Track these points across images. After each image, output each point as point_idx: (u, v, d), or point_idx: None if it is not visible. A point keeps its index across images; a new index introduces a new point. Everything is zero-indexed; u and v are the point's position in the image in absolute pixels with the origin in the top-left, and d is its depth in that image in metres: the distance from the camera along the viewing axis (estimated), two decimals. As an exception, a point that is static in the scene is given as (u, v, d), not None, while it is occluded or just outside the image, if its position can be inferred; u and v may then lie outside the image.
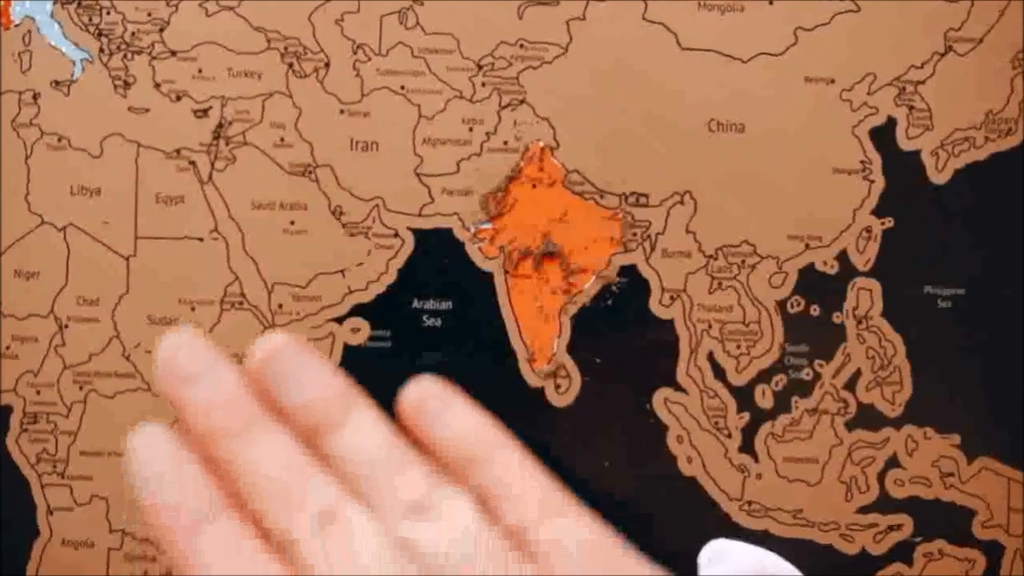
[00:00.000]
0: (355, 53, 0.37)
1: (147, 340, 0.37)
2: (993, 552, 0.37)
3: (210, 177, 0.37)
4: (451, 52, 0.37)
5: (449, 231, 0.37)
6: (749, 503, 0.37)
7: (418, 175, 0.37)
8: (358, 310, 0.37)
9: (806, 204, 0.37)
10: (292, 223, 0.37)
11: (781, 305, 0.37)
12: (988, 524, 0.37)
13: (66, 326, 0.37)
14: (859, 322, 0.37)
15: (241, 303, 0.37)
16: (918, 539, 0.37)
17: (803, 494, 0.37)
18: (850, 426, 0.37)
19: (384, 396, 0.23)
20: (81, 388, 0.37)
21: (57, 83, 0.37)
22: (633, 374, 0.37)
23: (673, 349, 0.37)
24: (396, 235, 0.37)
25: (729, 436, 0.37)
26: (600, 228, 0.37)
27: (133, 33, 0.37)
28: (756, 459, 0.37)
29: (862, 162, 0.37)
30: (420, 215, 0.37)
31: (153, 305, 0.37)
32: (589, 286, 0.37)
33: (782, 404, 0.37)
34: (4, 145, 0.37)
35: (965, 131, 0.37)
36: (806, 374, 0.37)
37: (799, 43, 0.37)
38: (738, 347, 0.37)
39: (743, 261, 0.37)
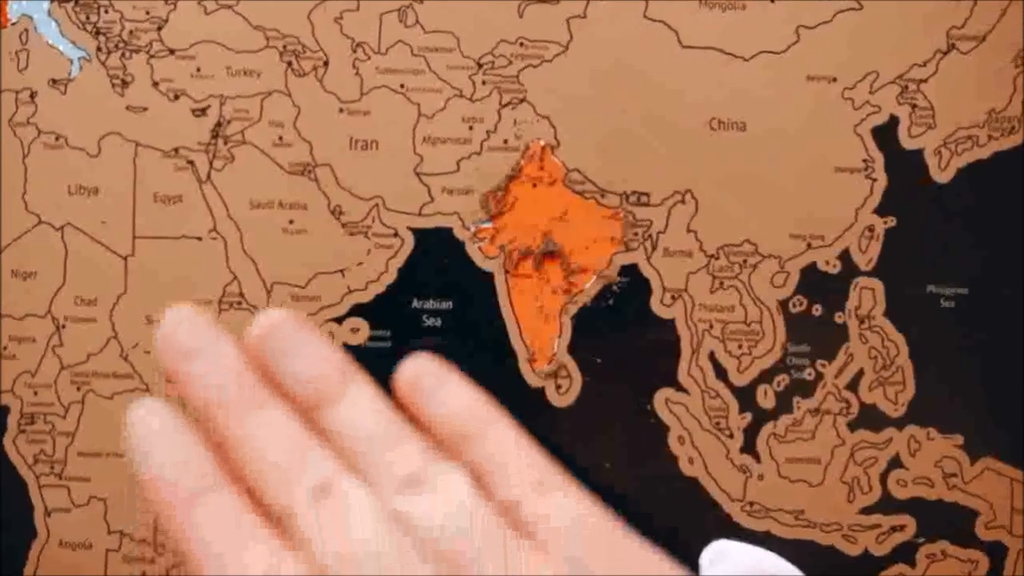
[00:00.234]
0: (354, 51, 0.37)
1: (145, 340, 0.37)
2: (996, 553, 0.37)
3: (208, 176, 0.37)
4: (451, 50, 0.37)
5: (449, 230, 0.37)
6: (751, 504, 0.37)
7: (418, 174, 0.37)
8: (357, 310, 0.37)
9: (808, 203, 0.37)
10: (291, 222, 0.37)
11: (783, 305, 0.37)
12: (991, 525, 0.37)
13: (64, 326, 0.37)
14: (861, 322, 0.37)
15: (240, 303, 0.37)
16: (921, 540, 0.37)
17: (805, 495, 0.37)
18: (852, 426, 0.37)
19: (384, 396, 0.23)
20: (79, 389, 0.37)
21: (54, 82, 0.37)
22: (634, 374, 0.37)
23: (674, 349, 0.37)
24: (396, 234, 0.37)
25: (731, 436, 0.37)
26: (601, 227, 0.37)
27: (131, 31, 0.37)
28: (758, 460, 0.37)
29: (864, 161, 0.37)
30: (420, 214, 0.37)
31: (151, 305, 0.37)
32: (590, 286, 0.37)
33: (784, 404, 0.37)
34: (1, 144, 0.37)
35: (968, 130, 0.37)
36: (808, 374, 0.37)
37: (801, 41, 0.36)
38: (740, 347, 0.37)
39: (745, 260, 0.37)
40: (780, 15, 0.36)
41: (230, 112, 0.37)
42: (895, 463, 0.37)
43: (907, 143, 0.37)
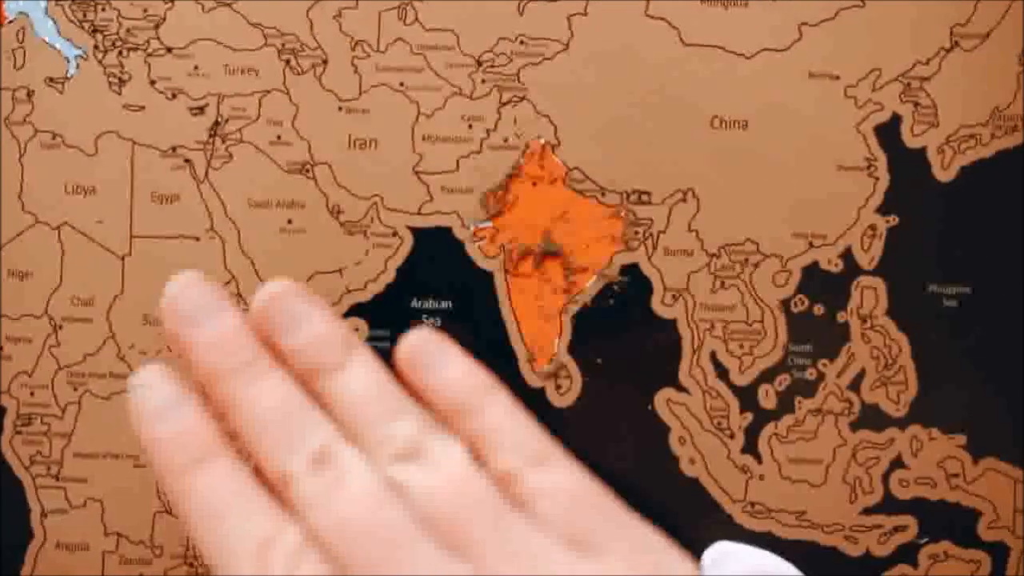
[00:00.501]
0: (353, 49, 0.37)
1: (142, 341, 0.37)
2: (999, 554, 0.37)
3: (206, 175, 0.37)
4: (450, 48, 0.37)
5: (449, 230, 0.37)
6: (752, 504, 0.37)
7: (417, 173, 0.37)
8: (356, 310, 0.37)
9: (810, 202, 0.37)
10: (289, 222, 0.37)
11: (785, 304, 0.37)
12: (994, 525, 0.37)
13: (60, 326, 0.37)
14: (863, 321, 0.37)
15: (238, 303, 0.37)
16: (923, 540, 0.37)
17: (807, 495, 0.37)
18: (854, 427, 0.37)
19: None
20: (76, 389, 0.37)
21: (51, 80, 0.37)
22: (635, 374, 0.37)
23: (675, 349, 0.37)
24: (395, 234, 0.37)
25: (732, 437, 0.37)
26: (601, 226, 0.37)
27: (128, 30, 0.37)
28: (759, 460, 0.37)
29: (867, 159, 0.37)
30: (419, 213, 0.37)
31: (148, 305, 0.37)
32: (590, 285, 0.37)
33: (785, 404, 0.37)
34: (-3, 143, 0.37)
35: (971, 128, 0.36)
36: (810, 374, 0.37)
37: (803, 39, 0.36)
38: (741, 347, 0.37)
39: (746, 260, 0.37)
40: (782, 12, 0.36)
41: (228, 111, 0.37)
42: (897, 463, 0.37)
43: (910, 141, 0.37)
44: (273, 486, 0.21)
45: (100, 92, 0.37)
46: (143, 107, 0.37)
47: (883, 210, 0.37)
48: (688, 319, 0.37)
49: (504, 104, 0.37)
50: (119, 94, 0.37)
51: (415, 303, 0.37)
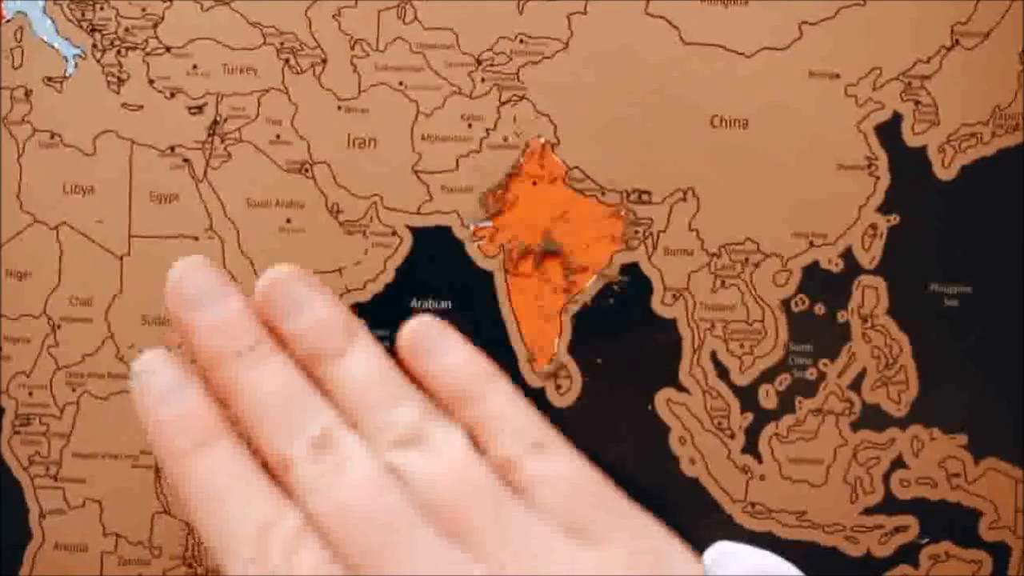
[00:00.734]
0: (352, 48, 0.37)
1: (141, 341, 0.37)
2: (1000, 554, 0.37)
3: (205, 175, 0.37)
4: (450, 47, 0.36)
5: (448, 229, 0.37)
6: (752, 504, 0.37)
7: (416, 172, 0.37)
8: (356, 309, 0.37)
9: (810, 201, 0.37)
10: (288, 221, 0.37)
11: (785, 304, 0.37)
12: (995, 525, 0.37)
13: (59, 326, 0.37)
14: (864, 321, 0.37)
15: (237, 301, 0.37)
16: (924, 541, 0.37)
17: (807, 495, 0.37)
18: (855, 427, 0.37)
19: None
20: (74, 389, 0.37)
21: (50, 79, 0.37)
22: (635, 374, 0.37)
23: (675, 349, 0.37)
24: (394, 233, 0.37)
25: (732, 437, 0.37)
26: (601, 226, 0.37)
27: (127, 29, 0.37)
28: (760, 460, 0.37)
29: (867, 158, 0.36)
30: (419, 213, 0.37)
31: (148, 305, 0.37)
32: (590, 285, 0.37)
33: (786, 404, 0.37)
34: (-4, 142, 0.37)
35: (972, 127, 0.36)
36: (810, 374, 0.37)
37: (804, 37, 0.36)
38: (741, 347, 0.37)
39: (746, 259, 0.37)
40: (782, 11, 0.36)
41: (227, 110, 0.37)
42: (898, 463, 0.37)
43: (911, 140, 0.37)
44: (273, 470, 0.21)
45: (98, 91, 0.37)
46: (142, 106, 0.37)
47: (884, 209, 0.37)
48: (688, 319, 0.37)
49: (504, 103, 0.37)
50: (118, 93, 0.37)
51: (414, 303, 0.37)
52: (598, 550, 0.20)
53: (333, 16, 0.37)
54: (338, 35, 0.37)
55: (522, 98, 0.37)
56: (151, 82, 0.37)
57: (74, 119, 0.37)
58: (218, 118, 0.37)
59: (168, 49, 0.37)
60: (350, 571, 0.19)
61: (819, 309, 0.37)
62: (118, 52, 0.37)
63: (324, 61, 0.37)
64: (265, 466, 0.21)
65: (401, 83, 0.37)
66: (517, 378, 0.37)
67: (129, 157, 0.37)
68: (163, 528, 0.37)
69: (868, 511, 0.37)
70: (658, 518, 0.37)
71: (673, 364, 0.37)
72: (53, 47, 0.37)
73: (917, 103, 0.36)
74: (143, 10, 0.37)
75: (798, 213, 0.37)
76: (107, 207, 0.37)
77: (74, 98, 0.37)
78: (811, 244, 0.37)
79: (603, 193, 0.37)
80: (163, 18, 0.37)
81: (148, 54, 0.37)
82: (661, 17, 0.36)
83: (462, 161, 0.37)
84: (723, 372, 0.37)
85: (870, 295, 0.37)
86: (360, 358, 0.22)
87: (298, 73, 0.37)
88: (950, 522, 0.37)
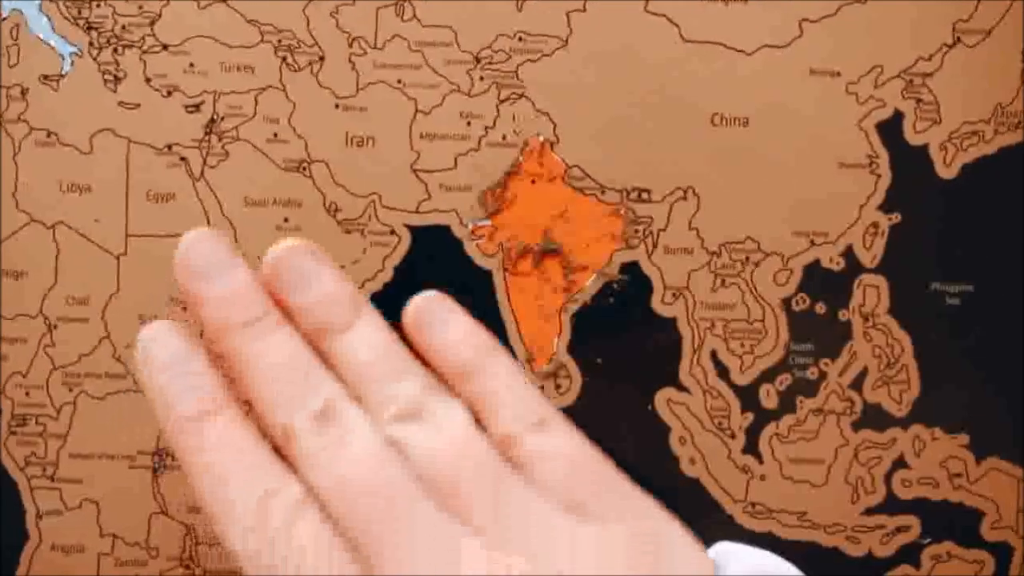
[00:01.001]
0: (351, 46, 0.36)
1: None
2: (1002, 554, 0.37)
3: (202, 173, 0.37)
4: (448, 45, 0.36)
5: (447, 228, 0.37)
6: (753, 505, 0.37)
7: (415, 171, 0.37)
8: (354, 309, 0.37)
9: (811, 199, 0.36)
10: (286, 220, 0.37)
11: (786, 303, 0.37)
12: (997, 525, 0.37)
13: (55, 326, 0.37)
14: (865, 320, 0.37)
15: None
16: (926, 541, 0.37)
17: (808, 495, 0.37)
18: (856, 426, 0.37)
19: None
20: (71, 390, 0.37)
21: (46, 78, 0.37)
22: (635, 374, 0.37)
23: (676, 348, 0.37)
24: (392, 232, 0.37)
25: (733, 437, 0.37)
26: (601, 225, 0.37)
27: (123, 27, 0.36)
28: (760, 460, 0.37)
29: (868, 156, 0.36)
30: (417, 212, 0.37)
31: (144, 304, 0.37)
32: (590, 284, 0.37)
33: (787, 404, 0.37)
34: (-8, 141, 0.37)
35: (974, 125, 0.36)
36: (811, 373, 0.37)
37: (804, 35, 0.36)
38: (742, 346, 0.37)
39: (747, 258, 0.37)
40: (783, 9, 0.36)
41: (224, 108, 0.36)
42: (899, 463, 0.37)
43: (912, 138, 0.36)
44: (275, 441, 0.21)
45: (95, 90, 0.36)
46: (138, 105, 0.37)
47: (885, 208, 0.36)
48: (688, 318, 0.37)
49: (503, 101, 0.37)
50: (114, 92, 0.37)
51: (413, 302, 0.37)
52: (598, 527, 0.20)
53: (331, 14, 0.36)
54: (336, 33, 0.36)
55: (521, 96, 0.37)
56: (148, 80, 0.36)
57: (71, 117, 0.37)
58: (215, 116, 0.37)
59: (165, 47, 0.36)
60: (350, 543, 0.19)
61: (820, 308, 0.37)
62: (115, 50, 0.36)
63: (322, 59, 0.36)
64: (268, 437, 0.21)
65: (399, 81, 0.37)
66: (516, 378, 0.37)
67: (126, 156, 0.37)
68: (160, 529, 0.37)
69: (869, 511, 0.37)
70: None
71: (673, 363, 0.37)
72: (49, 45, 0.37)
73: (918, 101, 0.36)
74: (140, 8, 0.36)
75: (799, 212, 0.37)
76: (104, 206, 0.37)
77: (71, 96, 0.37)
78: (812, 243, 0.37)
79: (603, 192, 0.37)
80: (160, 16, 0.36)
81: (145, 52, 0.36)
82: (661, 15, 0.36)
83: (461, 159, 0.37)
84: (723, 371, 0.37)
85: (871, 294, 0.37)
86: (365, 332, 0.22)
87: (296, 71, 0.36)
88: (952, 522, 0.37)
